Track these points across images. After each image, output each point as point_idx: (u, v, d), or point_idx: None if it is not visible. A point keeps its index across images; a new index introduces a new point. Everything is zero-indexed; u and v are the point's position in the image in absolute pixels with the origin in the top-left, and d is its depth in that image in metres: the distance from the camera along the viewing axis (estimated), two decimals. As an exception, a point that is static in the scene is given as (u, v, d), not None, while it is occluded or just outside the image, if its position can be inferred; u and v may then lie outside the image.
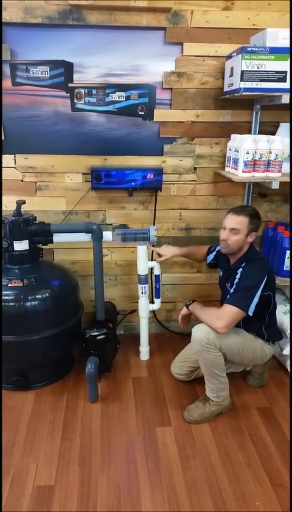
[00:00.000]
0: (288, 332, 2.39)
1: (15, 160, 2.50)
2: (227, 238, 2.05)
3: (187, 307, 2.21)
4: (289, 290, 2.62)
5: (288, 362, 2.47)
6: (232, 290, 2.05)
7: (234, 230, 2.04)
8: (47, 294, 2.20)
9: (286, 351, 2.42)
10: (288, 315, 2.46)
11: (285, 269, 2.46)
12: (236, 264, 2.11)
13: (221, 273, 2.31)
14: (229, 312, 1.97)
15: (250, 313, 1.99)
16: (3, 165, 2.49)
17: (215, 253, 2.38)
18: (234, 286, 2.05)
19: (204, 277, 2.85)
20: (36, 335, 2.18)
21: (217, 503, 1.67)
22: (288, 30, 2.13)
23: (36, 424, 2.08)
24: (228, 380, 2.11)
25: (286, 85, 2.13)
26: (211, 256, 2.41)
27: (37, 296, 2.18)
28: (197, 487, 1.74)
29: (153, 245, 2.48)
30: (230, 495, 1.71)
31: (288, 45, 2.11)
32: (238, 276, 2.06)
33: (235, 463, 1.86)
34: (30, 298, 2.16)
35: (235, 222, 2.04)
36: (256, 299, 1.99)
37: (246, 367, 2.30)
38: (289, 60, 2.09)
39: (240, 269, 2.07)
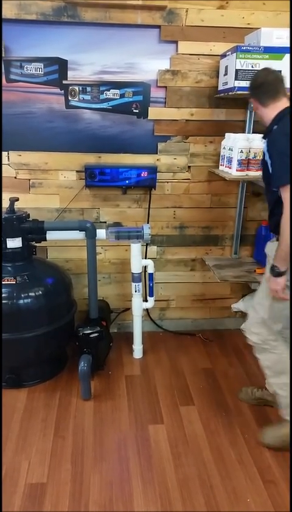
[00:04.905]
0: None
1: (8, 157, 2.49)
2: None
3: (279, 273, 1.76)
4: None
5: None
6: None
7: None
8: (40, 292, 2.20)
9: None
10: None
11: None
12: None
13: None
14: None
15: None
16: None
17: None
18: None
19: (197, 276, 2.85)
20: (29, 333, 2.17)
21: (209, 499, 1.68)
22: (282, 29, 2.14)
23: (29, 421, 2.08)
24: None
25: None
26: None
27: (30, 294, 2.17)
28: (189, 485, 1.75)
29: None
30: (221, 492, 1.72)
31: (282, 44, 2.11)
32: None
33: (226, 460, 1.87)
34: (22, 296, 2.16)
35: None
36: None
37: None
38: (287, 59, 2.10)
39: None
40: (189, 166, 2.62)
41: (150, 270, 2.54)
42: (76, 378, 2.27)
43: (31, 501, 1.66)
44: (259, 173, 2.29)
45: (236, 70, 2.11)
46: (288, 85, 2.11)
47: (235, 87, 2.14)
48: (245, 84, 2.13)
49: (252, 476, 1.80)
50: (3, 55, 2.31)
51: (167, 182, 2.64)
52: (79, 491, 1.71)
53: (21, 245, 2.22)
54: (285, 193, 1.65)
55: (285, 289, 1.79)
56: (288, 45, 2.11)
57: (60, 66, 2.36)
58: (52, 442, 1.96)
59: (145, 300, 2.64)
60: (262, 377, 2.27)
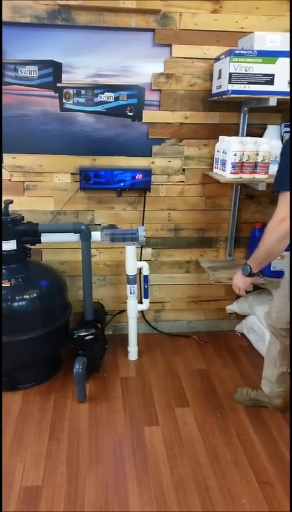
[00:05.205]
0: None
1: (2, 159, 2.49)
2: None
3: (250, 274, 1.79)
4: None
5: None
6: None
7: None
8: (35, 294, 2.20)
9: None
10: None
11: (271, 269, 2.49)
12: None
13: None
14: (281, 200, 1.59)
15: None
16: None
17: None
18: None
19: (192, 277, 2.86)
20: (24, 335, 2.17)
21: (204, 501, 1.69)
22: (276, 33, 2.16)
23: (24, 424, 2.07)
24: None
25: (274, 88, 2.16)
26: None
27: (24, 296, 2.17)
28: (184, 486, 1.75)
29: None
30: (217, 494, 1.72)
31: (275, 48, 2.13)
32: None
33: (222, 462, 1.88)
34: (17, 298, 2.15)
35: None
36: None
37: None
38: (280, 63, 2.12)
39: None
40: (183, 169, 2.64)
41: (145, 272, 2.55)
42: (72, 380, 2.27)
43: (26, 504, 1.66)
44: (253, 176, 2.32)
45: (229, 73, 2.13)
46: (274, 88, 2.14)
47: (228, 90, 2.16)
48: (238, 87, 2.15)
49: (248, 477, 1.80)
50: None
51: (162, 185, 2.65)
52: (75, 493, 1.71)
53: (15, 248, 2.22)
54: (280, 199, 1.59)
55: (245, 289, 1.86)
56: (282, 49, 2.13)
57: (54, 69, 2.37)
58: (47, 444, 1.95)
59: (140, 302, 2.64)
60: (257, 378, 2.28)
